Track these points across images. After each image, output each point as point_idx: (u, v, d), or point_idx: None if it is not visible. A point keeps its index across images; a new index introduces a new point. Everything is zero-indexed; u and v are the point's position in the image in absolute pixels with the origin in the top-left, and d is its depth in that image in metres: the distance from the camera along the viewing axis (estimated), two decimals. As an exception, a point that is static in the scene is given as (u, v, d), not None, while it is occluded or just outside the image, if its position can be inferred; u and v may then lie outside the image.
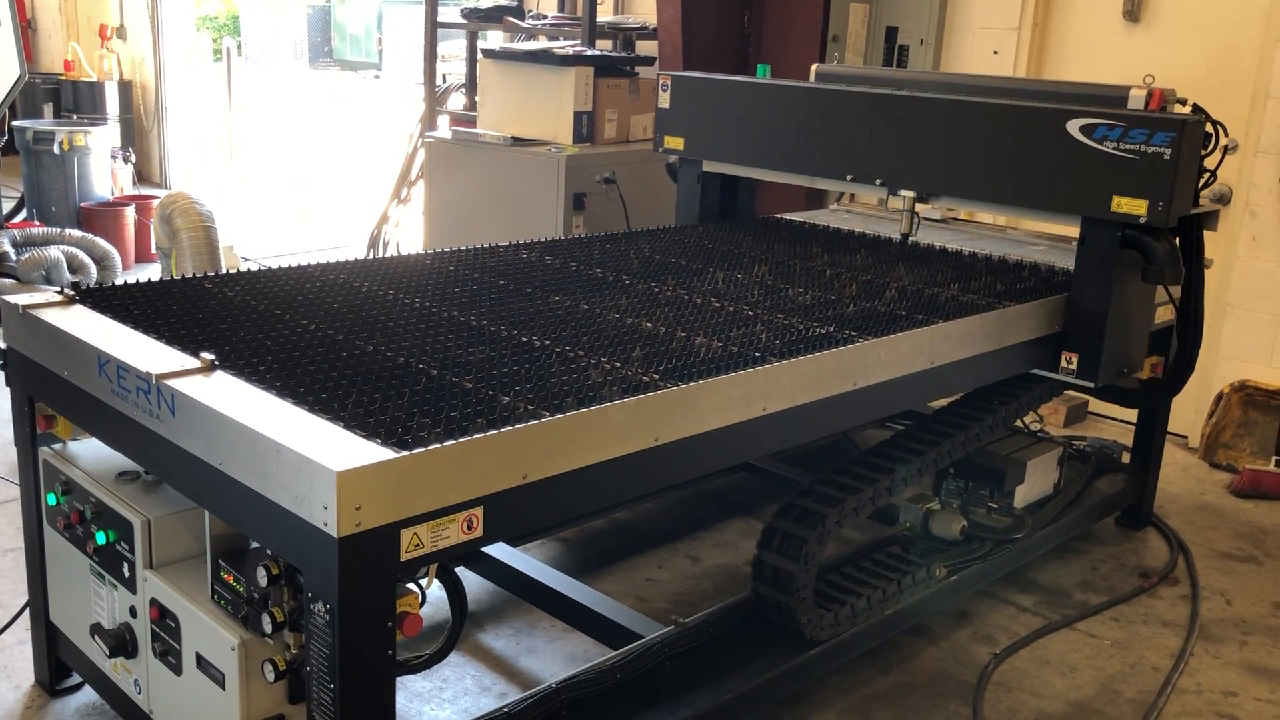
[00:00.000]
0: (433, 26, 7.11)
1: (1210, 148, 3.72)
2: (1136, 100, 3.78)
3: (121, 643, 2.68)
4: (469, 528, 2.19)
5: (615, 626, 3.33)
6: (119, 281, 3.09)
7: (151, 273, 7.80)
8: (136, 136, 11.36)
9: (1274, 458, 5.13)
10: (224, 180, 11.26)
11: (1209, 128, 3.69)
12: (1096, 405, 5.84)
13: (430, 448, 2.09)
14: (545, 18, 7.03)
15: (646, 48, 6.79)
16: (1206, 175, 3.77)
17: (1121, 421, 5.67)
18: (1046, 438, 4.39)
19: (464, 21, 7.27)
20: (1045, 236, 4.86)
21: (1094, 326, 3.74)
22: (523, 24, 6.86)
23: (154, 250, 7.49)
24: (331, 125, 12.81)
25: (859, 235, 4.52)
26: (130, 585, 2.64)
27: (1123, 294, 3.77)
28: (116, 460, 2.83)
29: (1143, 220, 3.56)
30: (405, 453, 2.06)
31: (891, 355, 3.10)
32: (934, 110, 4.00)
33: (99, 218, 8.20)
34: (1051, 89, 4.13)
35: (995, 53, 5.94)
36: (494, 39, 7.88)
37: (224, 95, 12.68)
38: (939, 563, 3.60)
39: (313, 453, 2.02)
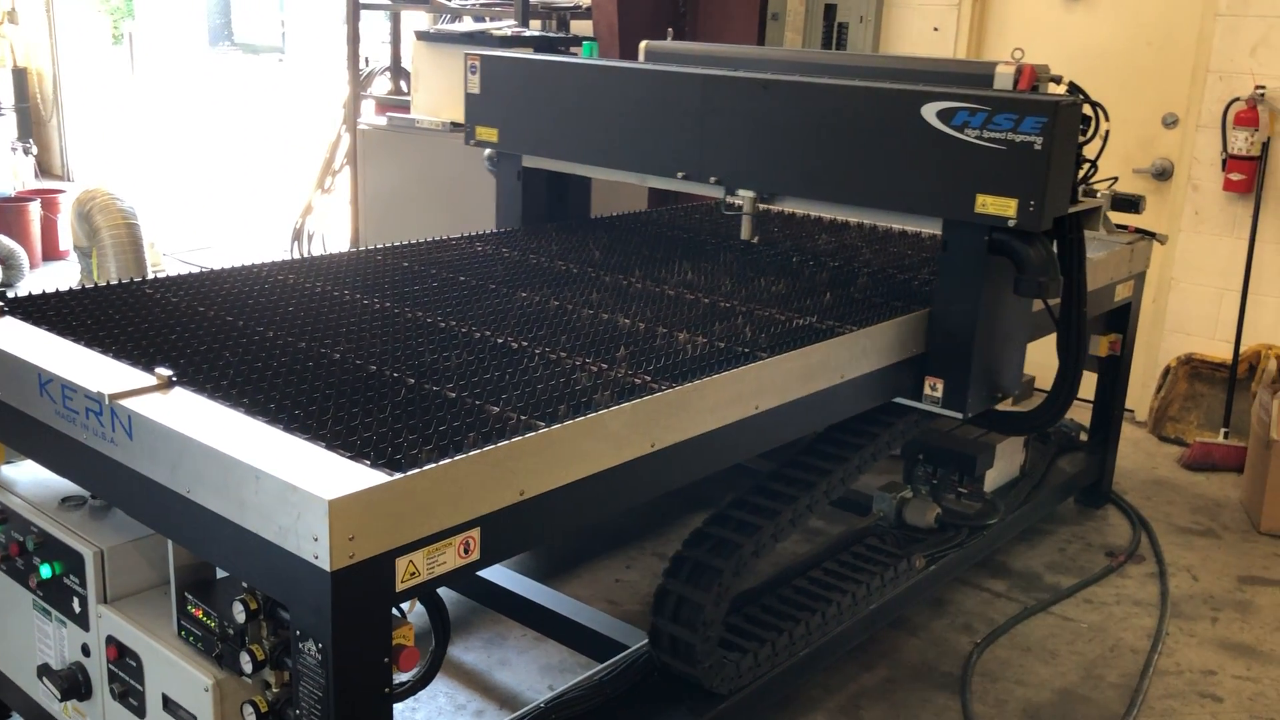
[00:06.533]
0: (355, 7, 6.83)
1: (1090, 134, 3.17)
2: (1004, 79, 3.18)
3: (74, 684, 2.45)
4: (465, 551, 2.03)
5: (590, 633, 3.21)
6: (25, 280, 2.85)
7: (61, 271, 7.39)
8: (34, 126, 10.82)
9: (1222, 430, 5.18)
10: (131, 171, 10.78)
11: (1087, 110, 3.13)
12: (1046, 382, 5.83)
13: (425, 468, 1.92)
14: (473, -2, 6.80)
15: (581, 28, 6.60)
16: (1087, 165, 3.26)
17: (1076, 399, 5.67)
18: (1009, 419, 4.34)
19: (389, 2, 7.00)
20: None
21: (959, 347, 3.16)
22: (450, 4, 6.62)
23: (67, 249, 7.13)
24: (238, 111, 12.36)
25: (814, 219, 4.42)
26: (82, 622, 2.42)
27: (994, 308, 3.18)
28: (59, 485, 2.60)
29: (1012, 223, 2.94)
30: (399, 475, 1.89)
31: (876, 345, 3.01)
32: (772, 94, 3.32)
33: (1, 214, 7.77)
34: (910, 67, 3.54)
35: (935, 29, 5.88)
36: (410, 20, 7.60)
37: (125, 82, 12.15)
38: (917, 552, 3.53)
39: (298, 479, 1.84)
